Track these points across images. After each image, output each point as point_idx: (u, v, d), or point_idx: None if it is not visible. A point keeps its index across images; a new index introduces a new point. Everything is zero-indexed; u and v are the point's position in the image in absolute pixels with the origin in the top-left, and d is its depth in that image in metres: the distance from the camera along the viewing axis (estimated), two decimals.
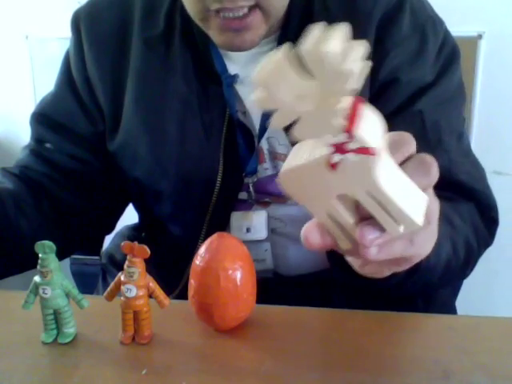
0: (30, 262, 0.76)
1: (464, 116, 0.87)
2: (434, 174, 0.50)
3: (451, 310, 0.94)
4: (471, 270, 0.81)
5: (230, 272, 0.60)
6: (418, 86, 0.80)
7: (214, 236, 0.62)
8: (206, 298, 0.60)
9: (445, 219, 0.69)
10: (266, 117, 0.82)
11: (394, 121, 0.78)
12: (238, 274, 0.60)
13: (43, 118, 0.91)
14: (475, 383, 0.55)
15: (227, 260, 0.60)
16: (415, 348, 0.60)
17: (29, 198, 0.84)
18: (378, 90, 0.80)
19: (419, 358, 0.58)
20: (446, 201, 0.74)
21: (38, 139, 0.92)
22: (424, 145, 0.79)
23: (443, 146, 0.81)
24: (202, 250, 0.61)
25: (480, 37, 1.26)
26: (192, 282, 0.62)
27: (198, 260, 0.61)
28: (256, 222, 0.86)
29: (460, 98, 0.86)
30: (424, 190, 0.49)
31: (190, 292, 0.62)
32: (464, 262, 0.76)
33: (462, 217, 0.76)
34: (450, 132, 0.82)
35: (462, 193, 0.80)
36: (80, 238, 0.93)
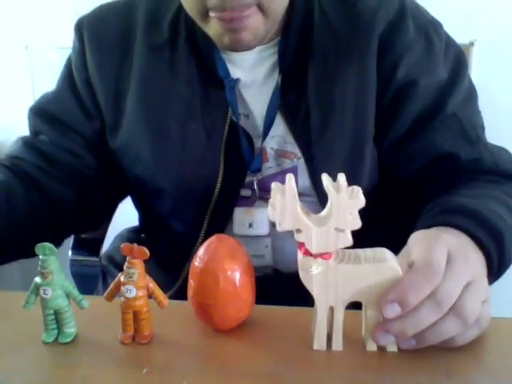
0: (19, 252, 0.76)
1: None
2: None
3: None
4: None
5: (229, 273, 0.60)
6: (436, 87, 0.83)
7: (213, 237, 0.63)
8: (205, 299, 0.61)
9: (504, 206, 0.73)
10: (269, 118, 0.84)
11: (432, 125, 0.83)
12: (237, 275, 0.60)
13: (41, 112, 0.92)
14: (477, 383, 0.55)
15: (226, 261, 0.60)
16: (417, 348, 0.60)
17: (19, 190, 0.84)
18: (397, 92, 0.83)
19: (421, 357, 0.58)
20: (494, 185, 0.79)
21: (33, 132, 0.93)
22: (468, 144, 0.84)
23: (483, 142, 0.85)
24: (200, 251, 0.62)
25: (472, 44, 1.27)
26: (191, 283, 0.62)
27: (197, 261, 0.61)
28: (258, 218, 0.87)
29: (475, 93, 0.89)
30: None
31: (190, 292, 0.62)
32: None
33: None
34: (479, 127, 0.86)
35: (506, 177, 0.83)
36: (69, 228, 0.93)
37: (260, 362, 0.58)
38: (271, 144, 0.86)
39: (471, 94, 0.87)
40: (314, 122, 0.82)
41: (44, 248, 0.59)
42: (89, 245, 1.12)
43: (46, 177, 0.89)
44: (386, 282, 0.57)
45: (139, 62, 0.87)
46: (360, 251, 0.59)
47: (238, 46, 0.77)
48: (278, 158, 0.87)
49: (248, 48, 0.78)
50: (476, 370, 0.57)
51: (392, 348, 0.59)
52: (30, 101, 1.77)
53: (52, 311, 0.61)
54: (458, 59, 0.86)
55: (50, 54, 1.75)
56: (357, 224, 0.55)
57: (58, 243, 0.93)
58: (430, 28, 0.85)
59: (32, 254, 0.59)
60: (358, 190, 0.55)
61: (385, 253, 0.58)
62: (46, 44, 1.76)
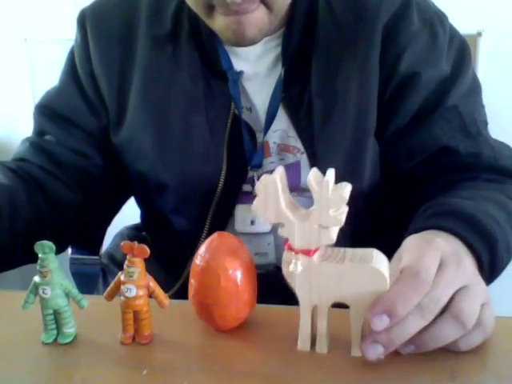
0: (24, 257, 0.76)
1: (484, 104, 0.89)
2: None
3: None
4: None
5: (231, 272, 0.59)
6: (439, 80, 0.82)
7: (215, 235, 0.62)
8: (206, 298, 0.60)
9: (502, 209, 0.72)
10: (271, 111, 0.84)
11: (432, 118, 0.82)
12: (239, 274, 0.60)
13: (47, 110, 0.92)
14: None
15: (227, 260, 0.60)
16: None
17: (23, 194, 0.84)
18: (400, 84, 0.82)
19: (425, 359, 0.57)
20: (495, 185, 0.78)
21: (39, 131, 0.92)
22: (467, 138, 0.84)
23: (483, 136, 0.84)
24: (202, 249, 0.61)
25: (479, 34, 1.26)
26: (192, 282, 0.61)
27: (198, 260, 0.61)
28: None
29: (479, 87, 0.88)
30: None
31: (191, 292, 0.62)
32: None
33: None
34: (481, 122, 0.85)
35: (507, 175, 0.82)
36: (74, 233, 0.93)
37: (261, 361, 0.58)
38: (274, 138, 0.86)
39: (474, 88, 0.86)
40: (316, 115, 0.81)
41: (43, 246, 0.58)
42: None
43: (51, 179, 0.88)
44: (369, 285, 0.55)
45: (142, 55, 0.86)
46: (350, 250, 0.57)
47: (242, 41, 0.77)
48: (280, 152, 0.86)
49: (252, 43, 0.78)
50: (480, 372, 0.56)
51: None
52: (30, 94, 1.78)
53: (51, 311, 0.60)
54: (462, 52, 0.85)
55: (50, 46, 1.74)
56: (339, 221, 0.53)
57: (62, 248, 0.94)
58: (435, 20, 0.84)
59: (36, 260, 0.59)
60: (344, 187, 0.53)
61: (374, 254, 0.56)
62: (45, 37, 1.75)
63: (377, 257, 0.56)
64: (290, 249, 0.56)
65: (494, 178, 0.81)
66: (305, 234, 0.55)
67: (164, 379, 0.56)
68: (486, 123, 0.87)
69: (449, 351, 0.57)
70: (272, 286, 0.68)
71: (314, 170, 0.54)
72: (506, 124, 1.27)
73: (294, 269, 0.55)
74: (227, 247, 0.61)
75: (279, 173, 0.54)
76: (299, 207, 0.56)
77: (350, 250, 0.57)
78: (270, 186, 0.54)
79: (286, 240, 0.56)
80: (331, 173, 0.53)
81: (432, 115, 0.82)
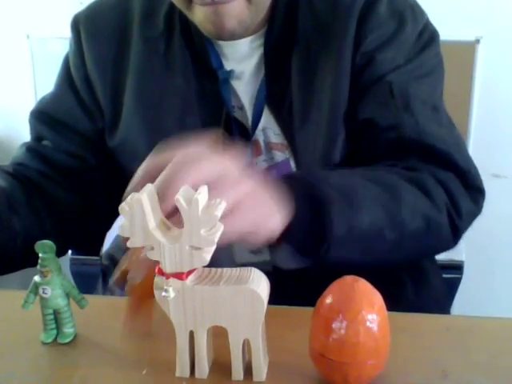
0: (24, 260, 0.76)
1: (442, 91, 0.87)
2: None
3: (445, 308, 0.94)
4: (454, 243, 0.79)
5: (370, 324, 0.52)
6: (392, 65, 0.81)
7: (348, 280, 0.54)
8: (339, 356, 0.52)
9: (386, 189, 0.70)
10: (257, 110, 0.84)
11: (364, 92, 0.81)
12: (378, 325, 0.52)
13: (42, 116, 0.92)
14: (473, 383, 0.55)
15: (366, 311, 0.52)
16: (413, 348, 0.60)
17: (21, 196, 0.84)
18: (356, 74, 0.81)
19: (417, 358, 0.58)
20: (405, 172, 0.75)
21: (36, 137, 0.92)
22: (389, 111, 0.81)
23: (411, 111, 0.80)
24: (329, 297, 0.54)
25: (477, 41, 1.26)
26: (317, 334, 0.54)
27: (325, 309, 0.53)
28: None
29: (437, 74, 0.86)
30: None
31: (313, 344, 0.55)
32: (425, 236, 0.74)
33: (424, 189, 0.74)
34: (422, 102, 0.82)
35: (438, 161, 0.78)
36: (74, 235, 0.93)
37: None
38: (263, 136, 0.86)
39: (428, 74, 0.84)
40: (295, 112, 0.82)
41: (43, 246, 0.59)
42: None
43: (49, 182, 0.88)
44: (245, 306, 0.53)
45: (135, 57, 0.87)
46: (227, 270, 0.54)
47: (222, 33, 0.77)
48: (270, 150, 0.87)
49: (232, 35, 0.78)
50: (472, 370, 0.57)
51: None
52: (32, 91, 1.78)
53: (51, 311, 0.61)
54: (428, 42, 0.84)
55: (52, 43, 1.74)
56: (212, 242, 0.50)
57: (62, 250, 0.93)
58: (407, 12, 0.83)
59: (36, 263, 0.59)
60: (217, 204, 0.50)
61: (252, 274, 0.54)
62: (47, 33, 1.75)
63: (254, 277, 0.53)
64: (161, 273, 0.52)
65: (412, 167, 0.77)
66: (176, 257, 0.51)
67: (163, 379, 0.56)
68: (434, 105, 0.83)
69: (441, 350, 0.58)
70: (270, 286, 0.69)
71: (185, 187, 0.51)
72: (503, 129, 1.27)
73: (167, 295, 0.52)
74: (361, 294, 0.52)
75: (147, 191, 0.51)
76: (172, 227, 0.52)
77: (228, 270, 0.54)
78: (136, 205, 0.50)
79: (157, 263, 0.53)
80: (204, 189, 0.50)
81: (366, 90, 0.81)
